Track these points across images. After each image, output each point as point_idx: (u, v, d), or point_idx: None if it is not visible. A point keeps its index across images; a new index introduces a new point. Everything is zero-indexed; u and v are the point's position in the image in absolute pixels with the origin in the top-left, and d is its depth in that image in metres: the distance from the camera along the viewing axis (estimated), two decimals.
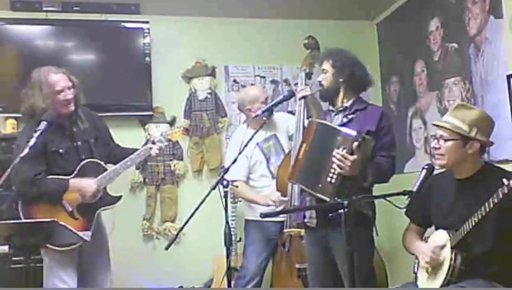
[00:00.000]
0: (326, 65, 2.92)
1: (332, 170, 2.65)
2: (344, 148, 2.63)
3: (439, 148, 2.53)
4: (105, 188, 3.17)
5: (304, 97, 3.25)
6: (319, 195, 2.71)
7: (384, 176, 2.81)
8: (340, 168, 2.63)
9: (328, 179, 2.67)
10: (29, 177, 2.96)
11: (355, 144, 2.61)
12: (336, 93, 2.91)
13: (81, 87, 3.21)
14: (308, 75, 3.43)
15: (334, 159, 2.64)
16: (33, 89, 3.06)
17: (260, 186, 3.67)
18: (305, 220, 2.93)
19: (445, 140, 2.50)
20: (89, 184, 3.08)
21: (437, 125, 2.58)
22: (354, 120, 2.81)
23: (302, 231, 3.23)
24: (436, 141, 2.56)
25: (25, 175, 2.94)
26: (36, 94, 3.05)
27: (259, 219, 3.47)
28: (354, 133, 2.65)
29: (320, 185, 2.70)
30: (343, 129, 2.72)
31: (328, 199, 2.66)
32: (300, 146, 2.87)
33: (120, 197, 3.24)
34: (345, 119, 2.84)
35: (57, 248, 2.93)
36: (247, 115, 3.74)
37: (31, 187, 2.98)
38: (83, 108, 3.24)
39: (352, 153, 2.61)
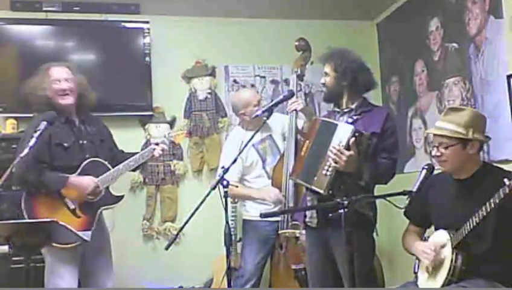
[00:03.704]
0: (328, 68, 2.89)
1: (328, 163, 2.65)
2: (340, 142, 2.63)
3: (440, 155, 2.53)
4: (107, 187, 3.18)
5: (295, 110, 3.27)
6: (314, 188, 2.72)
7: (383, 178, 2.80)
8: (335, 163, 2.62)
9: (324, 172, 2.66)
10: (31, 165, 2.94)
11: (352, 139, 2.61)
12: (339, 96, 2.90)
13: (90, 89, 3.24)
14: (300, 77, 3.43)
15: (329, 153, 2.64)
16: (34, 78, 3.13)
17: (256, 187, 3.67)
18: (306, 220, 2.93)
19: (446, 147, 2.50)
20: (88, 183, 3.07)
21: (434, 134, 2.58)
22: (358, 121, 2.81)
23: (297, 232, 3.23)
24: (436, 149, 2.55)
25: (27, 163, 2.91)
26: (34, 81, 3.12)
27: (256, 218, 3.52)
28: (351, 127, 2.65)
29: (315, 179, 2.70)
30: (341, 123, 2.72)
31: (322, 192, 2.66)
32: (303, 144, 2.87)
33: (122, 196, 3.24)
34: (349, 120, 2.83)
35: (58, 245, 2.92)
36: (241, 118, 3.75)
37: (31, 174, 2.96)
38: (89, 115, 3.27)
39: (348, 148, 2.61)
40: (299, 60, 3.52)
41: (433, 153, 2.58)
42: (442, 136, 2.51)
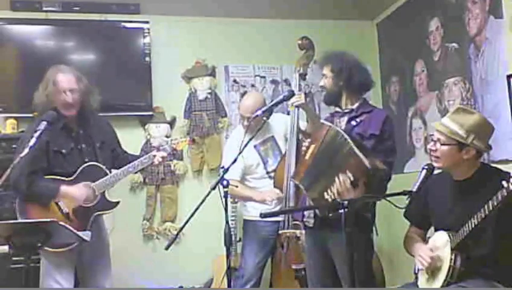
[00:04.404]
0: (326, 70, 2.91)
1: (333, 190, 2.57)
2: (352, 175, 2.51)
3: (435, 150, 2.54)
4: (103, 192, 3.16)
5: (297, 106, 3.27)
6: (312, 205, 2.76)
7: (380, 185, 2.73)
8: (338, 194, 2.54)
9: (326, 195, 2.60)
10: (24, 173, 2.94)
11: (365, 176, 2.50)
12: (338, 97, 2.91)
13: (95, 92, 3.22)
14: (303, 76, 3.43)
15: (336, 180, 2.54)
16: (41, 85, 3.11)
17: (258, 188, 3.68)
18: (304, 220, 2.93)
19: (442, 144, 2.50)
20: (81, 193, 3.05)
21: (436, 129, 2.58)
22: (359, 123, 2.80)
23: (298, 232, 3.23)
24: (432, 143, 2.56)
25: (22, 170, 2.92)
26: (41, 90, 3.10)
27: (257, 219, 3.52)
28: (368, 164, 2.49)
29: (317, 196, 2.68)
30: (361, 155, 2.50)
31: (319, 214, 2.70)
32: (308, 147, 2.84)
33: (117, 203, 3.22)
34: (353, 122, 2.82)
35: (52, 250, 2.92)
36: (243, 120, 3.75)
37: (23, 183, 2.96)
38: (93, 113, 3.24)
39: (357, 183, 2.51)
40: (302, 59, 3.49)
41: (429, 146, 2.58)
42: (441, 132, 2.51)
